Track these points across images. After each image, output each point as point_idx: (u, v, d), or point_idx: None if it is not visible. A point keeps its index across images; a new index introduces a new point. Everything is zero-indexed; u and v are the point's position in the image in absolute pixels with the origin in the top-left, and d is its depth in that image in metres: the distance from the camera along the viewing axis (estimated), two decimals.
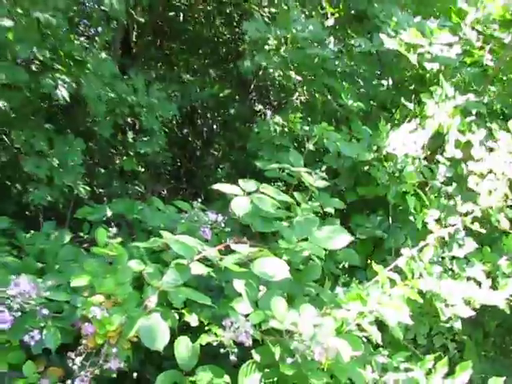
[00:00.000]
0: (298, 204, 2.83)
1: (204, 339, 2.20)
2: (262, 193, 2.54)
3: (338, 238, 2.49)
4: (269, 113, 4.37)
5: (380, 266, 2.50)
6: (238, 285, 2.23)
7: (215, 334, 2.21)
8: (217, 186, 2.51)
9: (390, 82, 4.05)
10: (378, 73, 4.33)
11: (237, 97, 5.59)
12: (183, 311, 2.29)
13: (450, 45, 3.37)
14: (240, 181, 2.55)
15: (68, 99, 3.22)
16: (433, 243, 2.73)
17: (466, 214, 2.97)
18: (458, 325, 2.81)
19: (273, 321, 2.10)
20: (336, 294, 2.44)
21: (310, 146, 3.23)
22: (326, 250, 2.45)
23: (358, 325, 2.24)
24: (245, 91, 5.66)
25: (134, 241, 3.45)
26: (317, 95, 3.94)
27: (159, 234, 2.66)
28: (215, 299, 2.64)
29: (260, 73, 5.24)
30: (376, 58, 4.23)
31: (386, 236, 3.44)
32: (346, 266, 3.21)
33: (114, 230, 2.33)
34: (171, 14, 5.95)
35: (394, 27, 3.29)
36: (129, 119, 4.30)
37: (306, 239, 2.49)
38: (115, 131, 4.14)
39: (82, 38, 4.27)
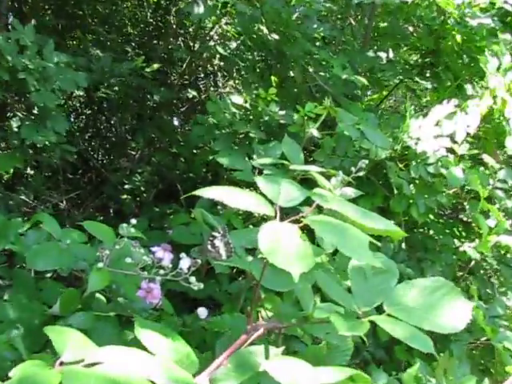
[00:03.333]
0: None
1: None
2: (320, 210, 1.02)
3: (448, 307, 1.04)
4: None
5: None
6: None
7: None
8: (210, 193, 0.98)
9: (391, 54, 2.92)
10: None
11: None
12: None
13: None
14: (259, 181, 1.03)
15: None
16: None
17: None
18: None
19: None
20: None
21: (315, 132, 2.01)
22: (421, 329, 1.06)
23: None
24: (172, 73, 4.36)
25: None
26: (296, 67, 2.72)
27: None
28: None
29: (197, 47, 3.97)
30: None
31: (411, 273, 2.28)
32: None
33: None
34: None
35: None
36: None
37: (380, 306, 1.11)
38: None
39: None
